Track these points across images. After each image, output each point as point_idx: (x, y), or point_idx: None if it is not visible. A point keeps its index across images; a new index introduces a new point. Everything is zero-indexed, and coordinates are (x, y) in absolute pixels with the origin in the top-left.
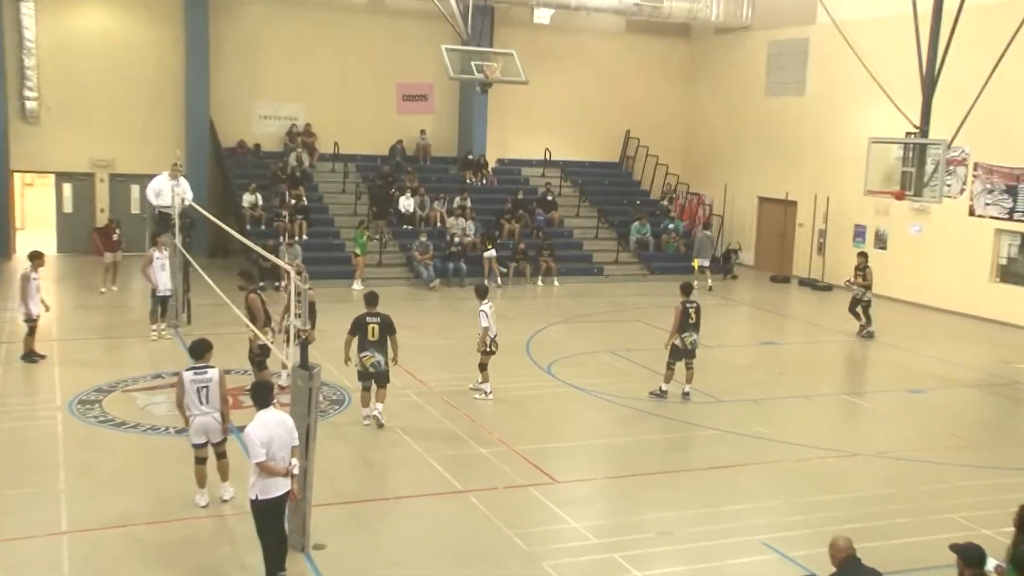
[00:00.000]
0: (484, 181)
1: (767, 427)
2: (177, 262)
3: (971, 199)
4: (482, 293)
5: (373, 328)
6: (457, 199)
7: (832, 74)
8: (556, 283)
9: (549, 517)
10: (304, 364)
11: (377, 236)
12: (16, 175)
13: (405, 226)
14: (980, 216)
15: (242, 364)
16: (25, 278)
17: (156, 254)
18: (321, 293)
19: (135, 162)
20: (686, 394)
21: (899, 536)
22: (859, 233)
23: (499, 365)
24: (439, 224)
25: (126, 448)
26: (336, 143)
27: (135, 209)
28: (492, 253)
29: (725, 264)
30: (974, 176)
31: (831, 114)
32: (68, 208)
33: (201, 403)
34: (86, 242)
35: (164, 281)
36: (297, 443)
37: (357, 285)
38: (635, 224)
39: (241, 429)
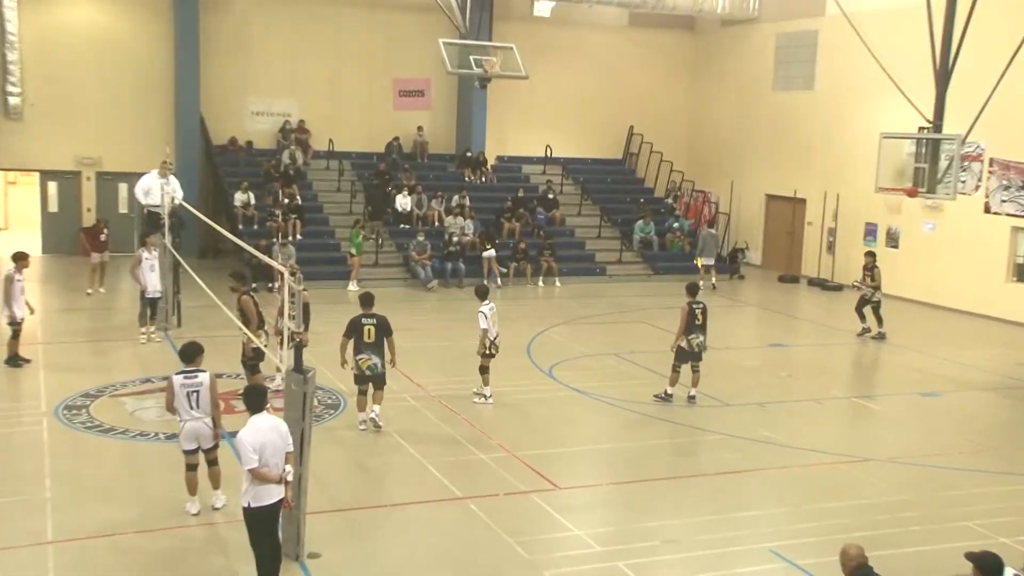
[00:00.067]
0: (483, 179)
1: (775, 431)
2: (167, 263)
3: (986, 196)
4: (482, 294)
5: (369, 330)
6: (455, 197)
7: (842, 67)
8: (557, 284)
9: (551, 524)
10: (298, 367)
11: (373, 236)
12: None
13: (402, 225)
14: (996, 213)
15: (234, 368)
16: (9, 280)
17: (145, 255)
18: (316, 294)
19: (123, 160)
20: (692, 397)
21: (912, 544)
22: (870, 231)
23: (499, 368)
24: (437, 223)
25: (114, 455)
26: (331, 140)
27: (123, 208)
28: (492, 253)
29: (732, 264)
30: (989, 172)
31: (841, 109)
32: (53, 207)
33: (191, 408)
34: (72, 242)
35: (153, 282)
36: (291, 449)
37: (353, 286)
38: (639, 223)
39: (233, 435)
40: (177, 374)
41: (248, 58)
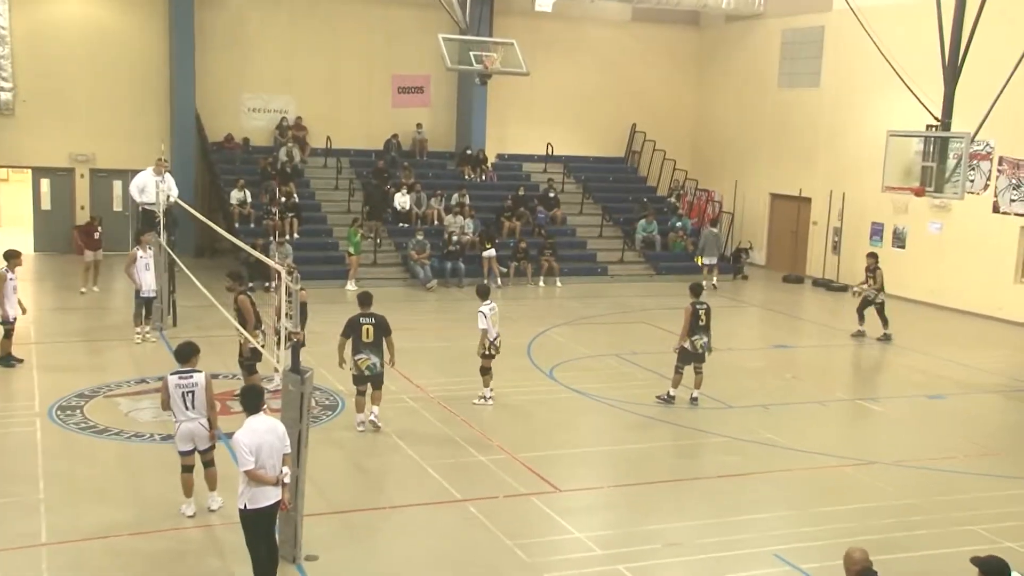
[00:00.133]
0: (483, 177)
1: (779, 434)
2: (162, 262)
3: (995, 195)
4: (484, 293)
5: (368, 329)
6: (455, 196)
7: (849, 64)
8: (558, 283)
9: (551, 527)
10: (295, 368)
11: (372, 235)
12: None
13: (401, 224)
14: (1004, 213)
15: (230, 368)
16: (1, 279)
17: (140, 253)
18: (313, 294)
19: (117, 157)
20: (694, 399)
21: (917, 548)
22: (876, 231)
23: (499, 368)
24: (436, 222)
25: (109, 456)
26: (328, 137)
27: (118, 206)
28: (492, 252)
29: (735, 264)
30: (998, 171)
31: (847, 106)
32: (46, 205)
33: (187, 408)
34: (65, 240)
35: (149, 281)
36: (288, 450)
37: (351, 285)
38: (641, 222)
39: (230, 436)
40: (172, 374)
41: (244, 54)
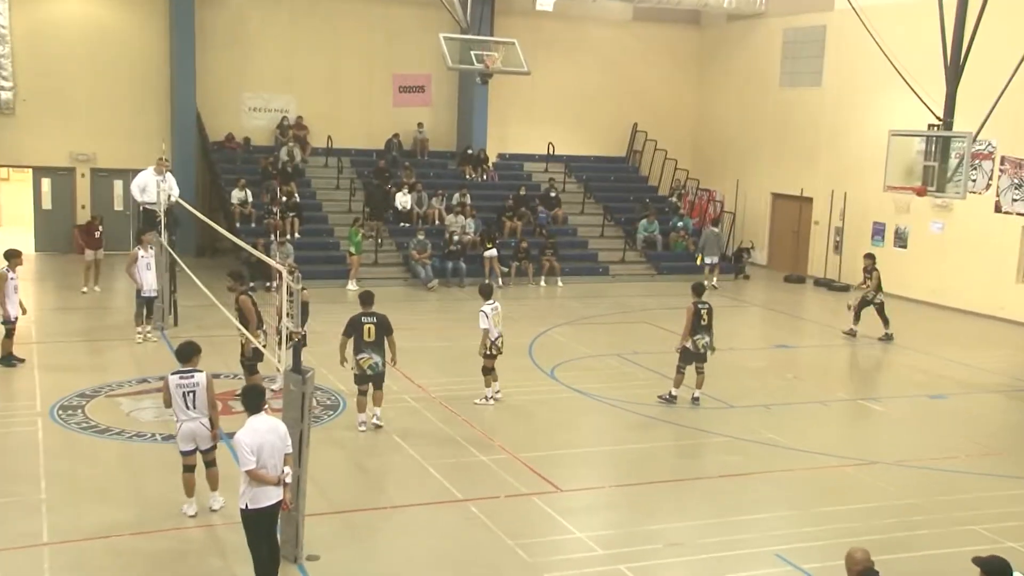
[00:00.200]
0: (484, 177)
1: (780, 434)
2: (163, 261)
3: (997, 195)
4: (486, 293)
5: (369, 328)
6: (456, 195)
7: (850, 63)
8: (560, 283)
9: (552, 527)
10: (297, 367)
11: (373, 234)
12: None
13: (402, 224)
14: (1007, 213)
15: (232, 368)
16: (2, 278)
17: (141, 253)
18: (315, 294)
19: (118, 156)
20: (696, 399)
21: (919, 548)
22: (878, 231)
23: (500, 369)
24: (437, 222)
25: (110, 456)
26: (329, 137)
27: (119, 206)
28: (493, 252)
29: (737, 263)
30: (1000, 171)
31: (849, 106)
32: (47, 204)
33: (188, 408)
34: (66, 240)
35: (150, 281)
36: (290, 450)
37: (352, 285)
38: (642, 222)
39: (231, 435)
40: (173, 374)
41: (245, 53)
